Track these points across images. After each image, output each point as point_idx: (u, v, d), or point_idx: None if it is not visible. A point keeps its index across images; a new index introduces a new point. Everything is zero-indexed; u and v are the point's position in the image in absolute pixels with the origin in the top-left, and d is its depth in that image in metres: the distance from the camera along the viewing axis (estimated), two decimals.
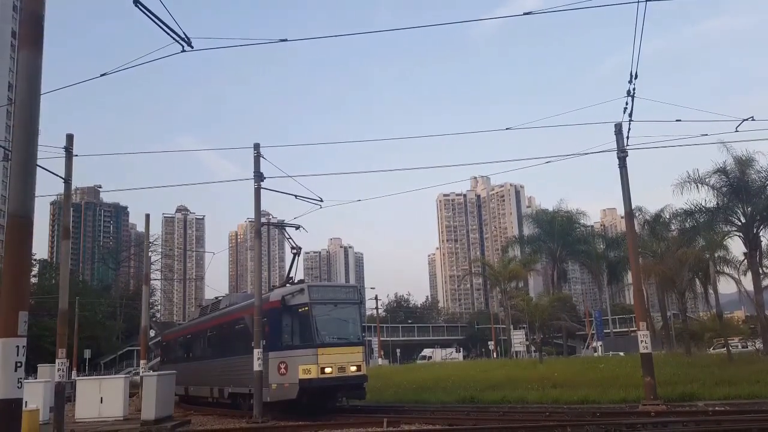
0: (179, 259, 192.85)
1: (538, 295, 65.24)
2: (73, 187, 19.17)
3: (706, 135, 17.59)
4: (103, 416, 19.23)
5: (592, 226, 69.59)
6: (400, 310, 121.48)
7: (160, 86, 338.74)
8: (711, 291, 35.96)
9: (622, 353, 51.10)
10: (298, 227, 22.03)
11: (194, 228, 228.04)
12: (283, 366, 18.09)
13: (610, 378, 23.58)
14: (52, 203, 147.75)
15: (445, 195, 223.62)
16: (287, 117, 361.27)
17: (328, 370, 17.60)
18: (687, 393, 18.48)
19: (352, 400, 19.78)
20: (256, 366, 18.37)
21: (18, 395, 5.36)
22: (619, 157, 18.49)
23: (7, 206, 5.97)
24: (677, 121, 17.24)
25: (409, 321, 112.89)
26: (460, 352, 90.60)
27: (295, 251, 21.28)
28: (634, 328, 39.11)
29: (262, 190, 20.47)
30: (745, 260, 34.35)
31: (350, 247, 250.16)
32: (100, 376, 30.17)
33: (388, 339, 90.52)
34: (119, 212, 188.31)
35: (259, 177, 20.35)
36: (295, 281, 20.85)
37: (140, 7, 9.16)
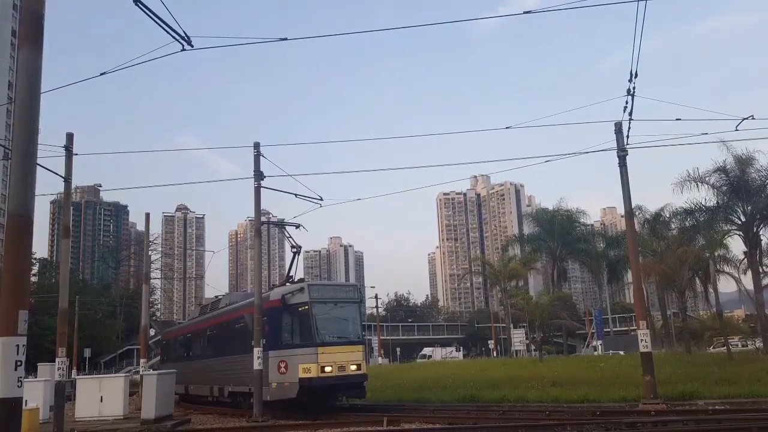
0: (179, 258, 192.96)
1: (538, 294, 65.17)
2: (73, 186, 19.15)
3: (706, 134, 17.59)
4: (103, 415, 19.22)
5: (592, 225, 69.53)
6: (400, 309, 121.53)
7: (160, 85, 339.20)
8: (711, 290, 36.03)
9: (622, 352, 51.22)
10: (298, 226, 22.02)
11: (194, 227, 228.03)
12: (283, 365, 18.08)
13: (610, 377, 23.60)
14: (52, 202, 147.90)
15: (445, 194, 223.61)
16: (287, 116, 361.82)
17: (328, 369, 17.59)
18: (687, 392, 18.46)
19: (352, 399, 19.76)
20: (256, 365, 18.36)
21: (18, 394, 5.35)
22: (619, 156, 18.46)
23: (7, 205, 5.96)
24: (677, 120, 17.21)
25: (409, 320, 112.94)
26: (460, 351, 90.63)
27: (295, 250, 21.26)
28: (634, 327, 39.11)
29: (262, 189, 20.44)
30: (745, 259, 34.39)
31: (350, 245, 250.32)
32: (100, 375, 30.17)
33: (388, 338, 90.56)
34: (119, 211, 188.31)
35: (259, 176, 20.32)
36: (295, 280, 20.83)
37: (140, 5, 9.14)
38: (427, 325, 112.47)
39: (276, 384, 18.21)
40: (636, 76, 16.11)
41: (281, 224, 23.06)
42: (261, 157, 20.31)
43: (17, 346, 5.40)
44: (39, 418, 17.72)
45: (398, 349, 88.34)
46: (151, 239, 69.93)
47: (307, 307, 18.29)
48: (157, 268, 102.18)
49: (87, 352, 56.57)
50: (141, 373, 24.15)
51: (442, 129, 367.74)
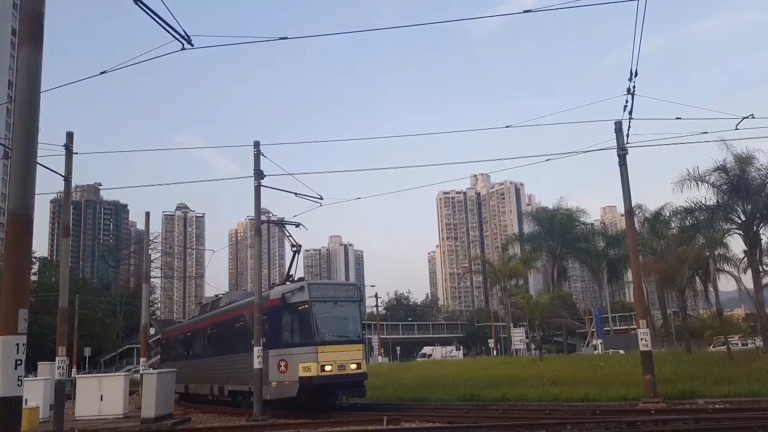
0: (179, 257, 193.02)
1: (538, 292, 65.10)
2: (73, 185, 19.15)
3: (706, 133, 17.58)
4: (103, 414, 19.21)
5: (592, 224, 69.62)
6: (400, 308, 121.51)
7: (160, 84, 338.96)
8: (711, 289, 36.03)
9: (622, 351, 51.23)
10: (298, 225, 22.02)
11: (194, 226, 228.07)
12: (283, 364, 18.09)
13: (610, 376, 23.62)
14: (52, 201, 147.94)
15: (445, 193, 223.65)
16: (287, 115, 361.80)
17: (328, 367, 17.60)
18: (687, 391, 18.48)
19: (352, 398, 19.76)
20: (256, 364, 18.36)
21: (18, 393, 5.35)
22: (619, 155, 18.47)
23: (8, 204, 5.96)
24: (677, 119, 17.21)
25: (409, 319, 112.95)
26: (460, 349, 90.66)
27: (295, 249, 21.27)
28: (634, 326, 39.10)
29: (262, 187, 20.44)
30: (745, 258, 34.40)
31: (350, 244, 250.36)
32: (100, 374, 30.18)
33: (388, 337, 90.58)
34: (119, 210, 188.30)
35: (259, 175, 20.32)
36: (295, 279, 20.83)
37: (140, 5, 9.13)
38: (427, 324, 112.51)
39: (276, 383, 18.22)
40: (636, 75, 16.13)
41: (281, 223, 23.06)
42: (261, 156, 20.31)
43: (17, 344, 5.40)
44: (39, 416, 17.77)
45: (398, 348, 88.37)
46: (151, 238, 70.03)
47: (307, 305, 18.30)
48: (157, 267, 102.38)
49: (87, 351, 56.61)
50: (141, 372, 24.16)
51: (442, 128, 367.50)
